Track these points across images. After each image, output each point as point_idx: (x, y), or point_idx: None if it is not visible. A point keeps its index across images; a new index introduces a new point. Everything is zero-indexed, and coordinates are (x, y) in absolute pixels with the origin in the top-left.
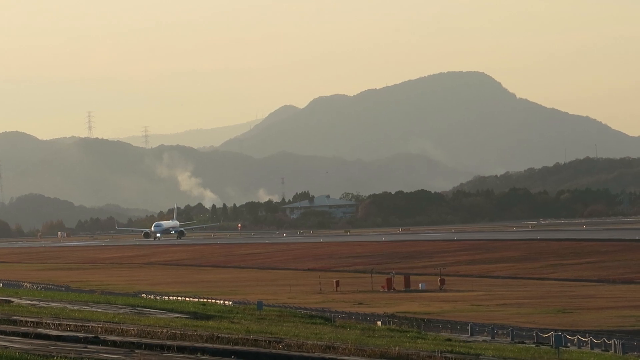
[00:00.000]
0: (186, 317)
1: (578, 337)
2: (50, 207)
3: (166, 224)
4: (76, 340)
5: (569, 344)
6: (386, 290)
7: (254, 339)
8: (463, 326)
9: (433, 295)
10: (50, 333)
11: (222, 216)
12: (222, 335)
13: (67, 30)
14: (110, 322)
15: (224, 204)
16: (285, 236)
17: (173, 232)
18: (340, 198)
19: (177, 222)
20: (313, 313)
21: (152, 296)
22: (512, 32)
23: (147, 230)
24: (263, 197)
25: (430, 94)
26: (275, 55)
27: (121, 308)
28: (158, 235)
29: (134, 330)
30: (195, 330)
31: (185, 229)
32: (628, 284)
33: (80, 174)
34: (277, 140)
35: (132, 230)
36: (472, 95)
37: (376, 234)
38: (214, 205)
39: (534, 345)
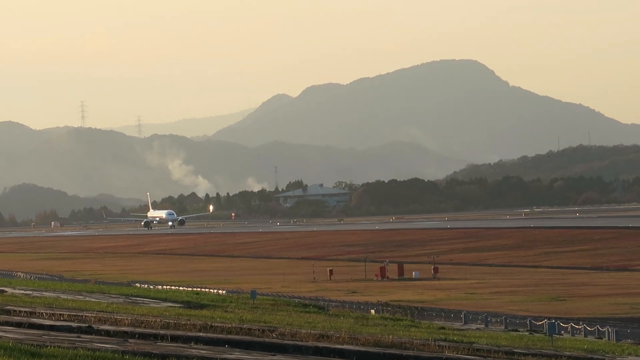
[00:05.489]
0: (180, 307)
1: (572, 325)
2: (44, 197)
3: (159, 213)
4: (70, 329)
5: (562, 332)
6: (380, 278)
7: (248, 328)
8: (457, 314)
9: (427, 283)
10: (44, 323)
11: (215, 205)
12: (216, 324)
13: (61, 20)
14: (103, 311)
15: (217, 193)
16: (278, 225)
17: (170, 223)
18: (334, 187)
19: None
20: (307, 302)
21: (146, 285)
22: (504, 20)
23: (146, 219)
24: (253, 185)
25: (423, 83)
26: (268, 45)
27: (115, 297)
28: (170, 223)
29: (127, 319)
30: (189, 320)
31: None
32: (622, 272)
33: (73, 164)
34: (270, 129)
35: (123, 220)
36: (465, 83)
37: (369, 222)
38: (207, 195)
39: (527, 333)
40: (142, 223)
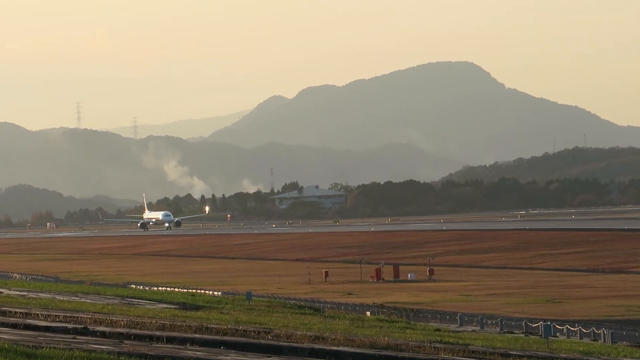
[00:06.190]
0: (175, 308)
1: (567, 327)
2: (40, 198)
3: (155, 214)
4: (65, 331)
5: (558, 334)
6: (375, 280)
7: (243, 330)
8: (452, 316)
9: (422, 285)
10: (39, 324)
11: (211, 206)
12: (211, 325)
13: (57, 21)
14: (99, 312)
15: (213, 195)
16: (274, 227)
17: (167, 225)
18: (329, 188)
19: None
20: (302, 303)
21: (141, 287)
22: (501, 22)
23: (143, 220)
24: (248, 187)
25: (419, 84)
26: (265, 46)
27: (110, 299)
28: (167, 225)
29: (123, 321)
30: (185, 321)
31: (181, 219)
32: (617, 274)
33: (69, 165)
34: (266, 131)
35: (118, 222)
36: (461, 85)
37: (365, 224)
38: (203, 196)
39: (523, 335)
40: (139, 224)
